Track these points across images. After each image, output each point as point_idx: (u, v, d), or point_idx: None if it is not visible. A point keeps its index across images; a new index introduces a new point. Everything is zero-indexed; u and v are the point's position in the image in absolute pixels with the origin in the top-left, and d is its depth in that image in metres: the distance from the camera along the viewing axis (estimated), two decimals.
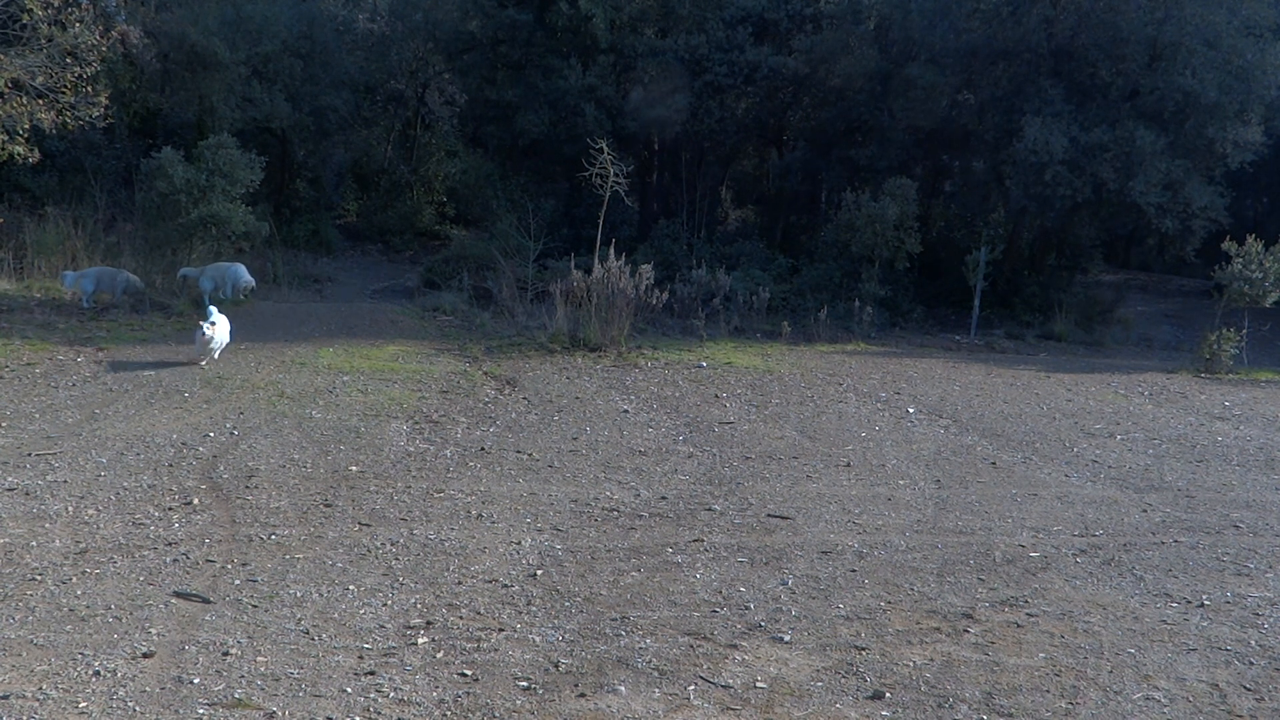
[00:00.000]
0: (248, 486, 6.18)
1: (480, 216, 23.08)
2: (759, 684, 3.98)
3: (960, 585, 5.24)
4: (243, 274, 13.55)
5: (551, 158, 21.48)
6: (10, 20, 12.48)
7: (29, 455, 6.54)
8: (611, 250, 12.67)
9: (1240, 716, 3.93)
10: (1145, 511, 6.92)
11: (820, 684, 4.01)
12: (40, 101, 12.41)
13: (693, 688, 3.91)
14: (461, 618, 4.44)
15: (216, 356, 10.26)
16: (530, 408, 9.20)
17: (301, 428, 7.78)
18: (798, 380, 11.60)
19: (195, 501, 5.81)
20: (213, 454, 6.88)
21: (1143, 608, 5.05)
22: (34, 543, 5.00)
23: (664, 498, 6.57)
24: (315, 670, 3.86)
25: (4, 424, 7.33)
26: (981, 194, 20.15)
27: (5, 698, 3.51)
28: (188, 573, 4.74)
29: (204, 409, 8.20)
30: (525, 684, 3.85)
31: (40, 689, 3.59)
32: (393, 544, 5.32)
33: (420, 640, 4.17)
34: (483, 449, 7.57)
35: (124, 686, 3.64)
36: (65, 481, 6.03)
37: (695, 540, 5.71)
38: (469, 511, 6.00)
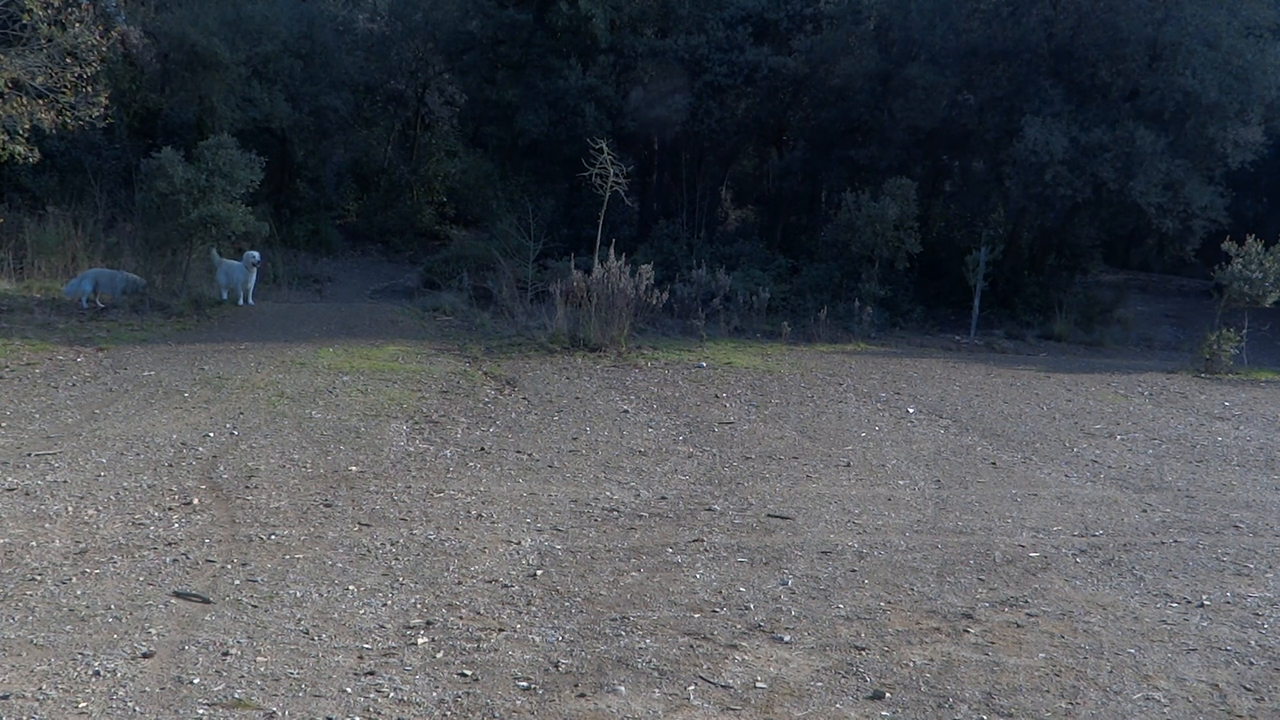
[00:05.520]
0: (248, 486, 6.18)
1: (480, 216, 23.09)
2: (759, 684, 3.98)
3: (960, 585, 5.24)
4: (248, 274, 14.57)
5: (551, 158, 21.49)
6: (10, 20, 12.47)
7: (29, 455, 6.54)
8: (611, 250, 12.67)
9: (1240, 716, 3.93)
10: (1145, 511, 6.92)
11: (820, 684, 4.01)
12: (40, 101, 12.40)
13: (693, 688, 3.91)
14: (461, 618, 4.44)
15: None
16: (530, 408, 9.20)
17: (301, 428, 7.78)
18: (798, 380, 11.60)
19: (195, 501, 5.81)
20: (213, 454, 6.88)
21: (1143, 608, 5.05)
22: (34, 543, 5.00)
23: (664, 498, 6.57)
24: (315, 670, 3.86)
25: (4, 424, 7.33)
26: (981, 194, 20.15)
27: (5, 698, 3.51)
28: (187, 573, 4.74)
29: (204, 409, 8.20)
30: (525, 684, 3.85)
31: (40, 689, 3.59)
32: (393, 544, 5.32)
33: (420, 640, 4.17)
34: (483, 449, 7.57)
35: (124, 686, 3.64)
36: (65, 481, 6.03)
37: (695, 540, 5.71)
38: (469, 511, 5.99)
